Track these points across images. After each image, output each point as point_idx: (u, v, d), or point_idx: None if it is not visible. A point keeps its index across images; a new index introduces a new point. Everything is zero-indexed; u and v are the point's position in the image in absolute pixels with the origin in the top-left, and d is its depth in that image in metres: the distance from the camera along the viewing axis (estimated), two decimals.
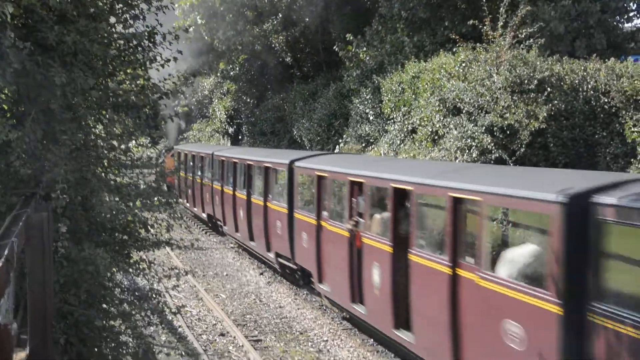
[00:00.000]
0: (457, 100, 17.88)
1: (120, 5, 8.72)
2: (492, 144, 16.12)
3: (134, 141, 9.68)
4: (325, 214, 15.10)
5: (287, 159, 17.88)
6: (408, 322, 11.44)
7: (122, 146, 9.11)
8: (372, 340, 13.60)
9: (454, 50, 20.24)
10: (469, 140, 16.51)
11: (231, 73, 38.64)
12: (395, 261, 11.69)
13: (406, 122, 20.64)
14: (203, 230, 28.83)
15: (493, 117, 16.42)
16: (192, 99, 50.26)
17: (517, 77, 16.85)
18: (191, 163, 31.01)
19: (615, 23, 22.96)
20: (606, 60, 17.97)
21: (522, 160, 15.88)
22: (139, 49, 8.69)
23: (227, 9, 33.96)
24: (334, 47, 28.79)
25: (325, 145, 27.27)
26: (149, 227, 9.29)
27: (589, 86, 16.72)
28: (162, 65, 8.94)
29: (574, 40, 21.24)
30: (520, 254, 8.79)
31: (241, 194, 22.12)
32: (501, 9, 18.24)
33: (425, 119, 19.04)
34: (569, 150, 16.19)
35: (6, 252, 4.32)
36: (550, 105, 16.20)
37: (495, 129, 16.30)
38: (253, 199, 20.98)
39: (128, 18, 8.68)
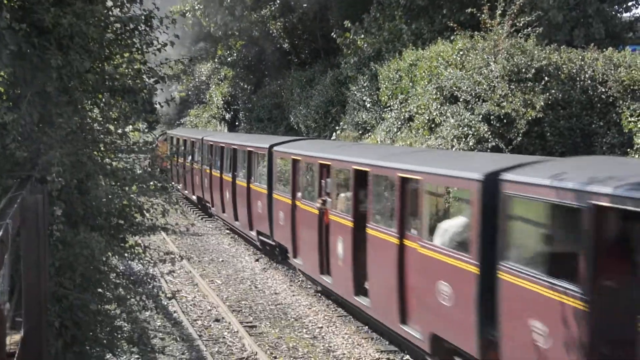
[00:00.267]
0: (455, 88, 17.85)
1: None
2: (489, 133, 16.12)
3: (130, 126, 9.65)
4: (299, 194, 16.40)
5: (267, 143, 19.16)
6: (366, 289, 12.77)
7: (119, 130, 9.08)
8: (366, 327, 13.66)
9: (452, 38, 20.17)
10: (466, 129, 16.50)
11: (228, 59, 38.51)
12: (356, 235, 13.04)
13: (403, 110, 20.59)
14: (199, 215, 28.87)
15: (490, 106, 16.41)
16: (190, 85, 50.14)
17: (514, 66, 16.83)
18: (182, 148, 31.58)
19: (613, 12, 22.96)
20: (604, 49, 17.97)
21: (518, 149, 15.89)
22: (136, 32, 8.62)
23: None
24: (332, 34, 28.68)
25: (322, 133, 27.19)
26: (145, 212, 9.28)
27: (587, 76, 16.72)
28: (159, 50, 8.88)
29: (572, 30, 21.21)
30: (452, 225, 10.05)
31: (227, 177, 23.27)
32: None
33: (423, 107, 19.00)
34: (566, 139, 16.21)
35: (0, 233, 4.31)
36: (547, 94, 16.20)
37: (492, 117, 16.28)
38: (238, 181, 22.07)
39: (125, 1, 8.61)
